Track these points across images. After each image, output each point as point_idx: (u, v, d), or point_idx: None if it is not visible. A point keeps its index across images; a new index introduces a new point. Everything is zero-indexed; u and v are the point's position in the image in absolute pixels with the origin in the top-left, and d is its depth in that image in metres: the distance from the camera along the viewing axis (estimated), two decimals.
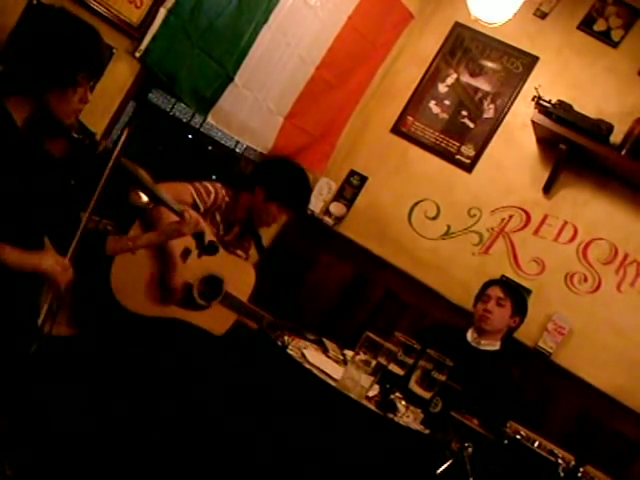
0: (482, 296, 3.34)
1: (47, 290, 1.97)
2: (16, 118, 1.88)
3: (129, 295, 2.59)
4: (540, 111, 3.69)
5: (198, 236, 2.48)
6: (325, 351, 2.89)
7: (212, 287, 2.86)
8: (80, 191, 2.00)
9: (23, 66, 1.89)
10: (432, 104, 4.20)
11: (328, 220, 4.21)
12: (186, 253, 2.74)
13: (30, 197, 1.92)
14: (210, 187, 2.92)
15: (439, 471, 2.34)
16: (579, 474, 2.38)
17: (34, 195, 1.93)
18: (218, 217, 2.98)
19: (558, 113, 3.64)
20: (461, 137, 4.12)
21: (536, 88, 3.74)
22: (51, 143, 1.96)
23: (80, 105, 1.98)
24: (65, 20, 1.97)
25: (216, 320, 2.93)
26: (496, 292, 3.30)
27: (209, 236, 2.54)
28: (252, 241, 3.17)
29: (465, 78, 4.16)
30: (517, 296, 3.36)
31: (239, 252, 3.10)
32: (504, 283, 3.45)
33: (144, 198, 2.20)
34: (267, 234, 4.07)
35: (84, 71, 1.94)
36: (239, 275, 3.00)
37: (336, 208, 4.25)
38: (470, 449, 2.32)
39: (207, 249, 2.50)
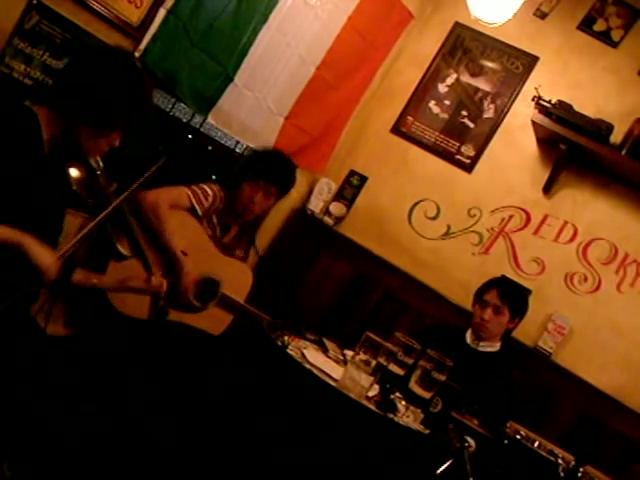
0: (480, 300, 3.27)
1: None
2: (44, 131, 1.90)
3: (126, 301, 2.59)
4: (540, 111, 3.69)
5: (155, 297, 2.50)
6: (325, 351, 2.89)
7: (208, 289, 2.86)
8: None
9: (73, 91, 1.91)
10: (432, 104, 4.20)
11: (328, 220, 4.20)
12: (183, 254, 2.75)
13: (32, 208, 1.93)
14: (208, 190, 2.91)
15: (439, 471, 2.34)
16: (579, 474, 2.38)
17: (37, 206, 1.94)
18: (215, 219, 2.97)
19: (558, 113, 3.64)
20: (461, 137, 4.12)
21: (536, 88, 3.74)
22: (71, 166, 1.98)
23: (107, 147, 2.02)
24: (127, 66, 2.00)
25: (213, 321, 2.93)
26: (493, 298, 3.21)
27: (162, 301, 2.55)
28: (249, 244, 3.18)
29: (465, 78, 4.16)
30: (515, 300, 3.28)
31: (238, 252, 3.10)
32: (502, 286, 3.32)
33: (126, 249, 2.25)
34: (267, 234, 4.08)
35: (126, 120, 1.97)
36: (236, 276, 3.00)
37: (336, 208, 4.25)
38: (471, 447, 2.32)
39: (159, 313, 2.52)
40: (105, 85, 1.92)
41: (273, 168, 3.04)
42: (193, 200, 2.85)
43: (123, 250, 2.23)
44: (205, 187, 2.92)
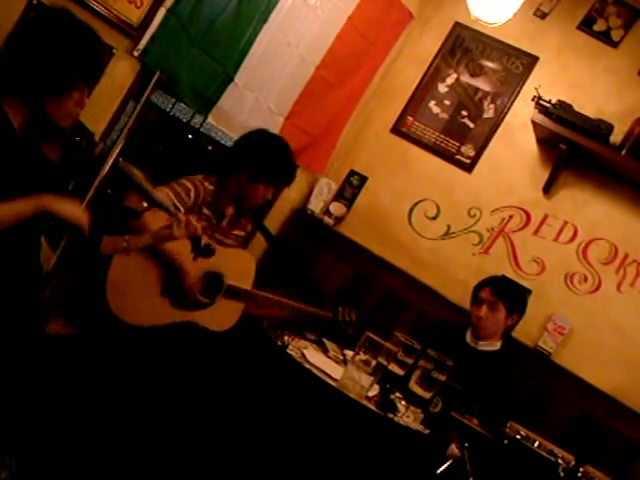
0: (475, 299, 3.28)
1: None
2: (13, 119, 1.88)
3: (128, 309, 2.57)
4: (540, 111, 3.69)
5: (194, 239, 2.41)
6: (325, 351, 2.90)
7: (213, 283, 2.85)
8: (77, 194, 2.01)
9: (18, 69, 1.88)
10: (432, 104, 4.20)
11: (328, 220, 4.20)
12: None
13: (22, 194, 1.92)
14: (189, 184, 2.84)
15: (439, 471, 2.34)
16: (579, 474, 2.38)
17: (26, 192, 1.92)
18: (205, 210, 2.93)
19: (558, 113, 3.64)
20: (461, 137, 4.12)
21: (536, 88, 3.74)
22: (47, 146, 1.95)
23: (77, 109, 1.98)
24: (63, 23, 1.94)
25: (222, 315, 2.91)
26: (488, 295, 3.22)
27: (205, 239, 2.46)
28: (249, 220, 3.12)
29: (465, 78, 4.16)
30: (510, 296, 3.28)
31: (237, 232, 3.05)
32: (495, 284, 3.32)
33: (140, 201, 2.19)
34: None
35: (80, 77, 1.93)
36: (238, 264, 2.96)
37: (336, 208, 4.24)
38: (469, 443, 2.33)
39: (203, 251, 2.42)
40: (43, 48, 1.88)
41: (289, 171, 3.03)
42: (174, 200, 2.80)
43: (135, 206, 2.16)
44: (186, 182, 2.84)
